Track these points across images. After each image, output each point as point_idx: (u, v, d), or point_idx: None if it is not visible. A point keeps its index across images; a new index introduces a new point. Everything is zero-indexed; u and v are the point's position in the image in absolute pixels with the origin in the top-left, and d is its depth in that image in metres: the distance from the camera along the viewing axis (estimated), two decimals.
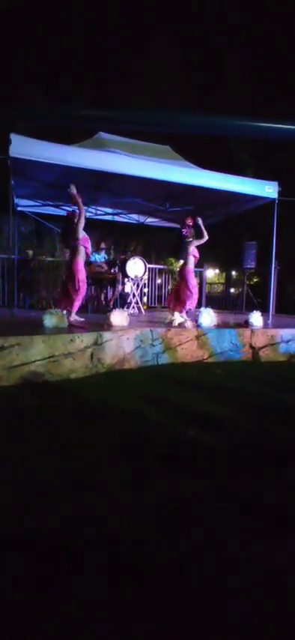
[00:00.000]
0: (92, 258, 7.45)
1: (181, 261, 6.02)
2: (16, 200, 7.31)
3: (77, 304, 5.14)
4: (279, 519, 1.68)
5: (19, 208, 7.78)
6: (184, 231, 5.85)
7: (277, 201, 6.32)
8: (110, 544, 1.46)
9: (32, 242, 10.49)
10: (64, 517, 1.61)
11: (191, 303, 5.76)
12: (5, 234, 9.70)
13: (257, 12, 13.93)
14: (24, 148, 4.85)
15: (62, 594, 1.23)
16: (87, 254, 5.29)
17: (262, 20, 13.91)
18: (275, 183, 6.37)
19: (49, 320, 4.44)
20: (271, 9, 13.38)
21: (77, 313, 5.21)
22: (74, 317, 5.08)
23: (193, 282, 5.84)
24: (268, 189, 6.37)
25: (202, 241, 5.76)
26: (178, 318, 5.53)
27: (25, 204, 7.84)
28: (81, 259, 5.07)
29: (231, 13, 14.73)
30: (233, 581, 1.31)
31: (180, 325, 5.28)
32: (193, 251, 5.75)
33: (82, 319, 5.18)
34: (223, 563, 1.39)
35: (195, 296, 5.81)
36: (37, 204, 7.96)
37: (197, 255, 5.81)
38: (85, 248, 5.13)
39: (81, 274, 5.06)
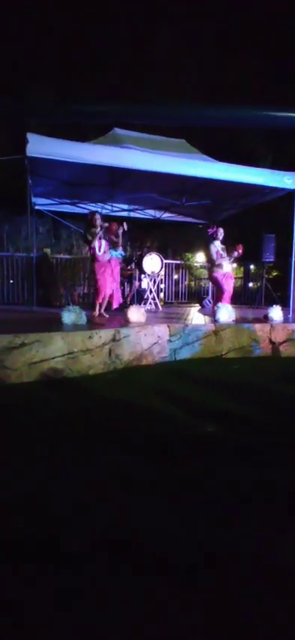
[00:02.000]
0: (108, 255, 7.50)
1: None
2: (34, 199, 7.43)
3: (98, 302, 5.36)
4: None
5: (36, 207, 7.91)
6: (210, 230, 5.89)
7: None
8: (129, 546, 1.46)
9: (50, 240, 10.66)
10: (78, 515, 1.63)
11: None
12: (23, 233, 9.88)
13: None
14: (41, 147, 4.91)
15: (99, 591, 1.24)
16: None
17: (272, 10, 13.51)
18: None
19: (68, 317, 4.50)
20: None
21: (105, 310, 5.48)
22: (97, 313, 5.35)
23: (222, 282, 5.88)
24: (287, 180, 6.20)
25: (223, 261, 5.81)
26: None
27: (42, 203, 7.95)
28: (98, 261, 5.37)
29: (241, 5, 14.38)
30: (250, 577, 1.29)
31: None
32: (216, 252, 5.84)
33: (106, 316, 5.33)
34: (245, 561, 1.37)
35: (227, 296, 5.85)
36: (54, 202, 8.05)
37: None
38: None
39: (99, 274, 5.28)
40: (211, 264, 5.95)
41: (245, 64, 13.67)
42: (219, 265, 5.79)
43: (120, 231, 5.94)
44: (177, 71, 13.76)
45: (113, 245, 5.72)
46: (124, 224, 6.05)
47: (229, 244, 6.05)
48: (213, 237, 5.85)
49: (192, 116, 6.83)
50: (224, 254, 5.81)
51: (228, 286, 5.86)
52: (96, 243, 5.30)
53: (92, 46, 14.43)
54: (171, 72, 13.78)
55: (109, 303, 5.66)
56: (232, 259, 5.86)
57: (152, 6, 14.75)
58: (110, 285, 5.50)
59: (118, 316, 5.32)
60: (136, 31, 14.63)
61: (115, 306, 5.75)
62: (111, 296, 5.62)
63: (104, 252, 5.40)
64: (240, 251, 5.78)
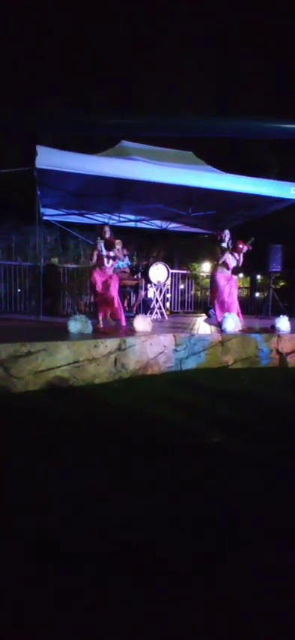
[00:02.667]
0: (115, 265, 7.55)
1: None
2: (42, 209, 7.55)
3: (99, 311, 5.32)
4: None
5: (44, 217, 8.03)
6: (217, 236, 5.85)
7: None
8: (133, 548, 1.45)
9: (57, 250, 10.79)
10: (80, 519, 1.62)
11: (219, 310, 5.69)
12: (31, 242, 10.02)
13: (273, 10, 13.69)
14: (49, 159, 5.01)
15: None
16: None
17: (277, 18, 13.67)
18: None
19: (74, 326, 4.53)
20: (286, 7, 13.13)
21: (104, 320, 5.39)
22: (101, 323, 5.28)
23: (221, 287, 5.75)
24: (293, 191, 6.20)
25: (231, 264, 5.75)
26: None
27: (50, 214, 8.07)
28: (95, 271, 5.30)
29: (246, 12, 14.57)
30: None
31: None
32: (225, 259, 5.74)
33: (105, 326, 5.30)
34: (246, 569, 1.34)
35: (222, 304, 5.73)
36: (62, 212, 8.17)
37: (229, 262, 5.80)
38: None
39: (96, 286, 5.26)
40: (216, 263, 5.83)
41: (257, 74, 13.82)
42: (224, 264, 5.72)
43: (118, 247, 5.81)
44: (189, 83, 13.95)
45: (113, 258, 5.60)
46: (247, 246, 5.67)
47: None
48: (220, 240, 5.81)
49: (204, 128, 6.91)
50: (229, 251, 5.69)
51: (226, 293, 5.71)
52: (95, 253, 5.30)
53: (104, 57, 14.75)
54: (184, 84, 13.98)
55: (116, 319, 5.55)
56: (239, 256, 5.68)
57: (166, 17, 15.02)
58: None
59: (124, 326, 5.33)
60: (147, 43, 14.91)
61: (123, 322, 5.57)
62: (116, 311, 5.47)
63: (105, 265, 5.36)
64: (243, 246, 5.59)
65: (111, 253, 5.34)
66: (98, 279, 5.26)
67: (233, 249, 5.70)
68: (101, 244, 5.30)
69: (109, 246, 5.30)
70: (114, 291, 5.26)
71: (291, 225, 6.65)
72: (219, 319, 5.61)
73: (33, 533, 1.52)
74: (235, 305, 5.79)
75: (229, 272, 5.80)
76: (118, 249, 5.45)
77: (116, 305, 5.32)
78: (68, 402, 3.27)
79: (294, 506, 1.80)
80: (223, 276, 5.77)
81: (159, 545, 1.47)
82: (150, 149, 6.70)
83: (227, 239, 5.79)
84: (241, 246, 5.63)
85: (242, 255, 5.72)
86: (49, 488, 1.88)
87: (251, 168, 8.43)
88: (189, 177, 5.75)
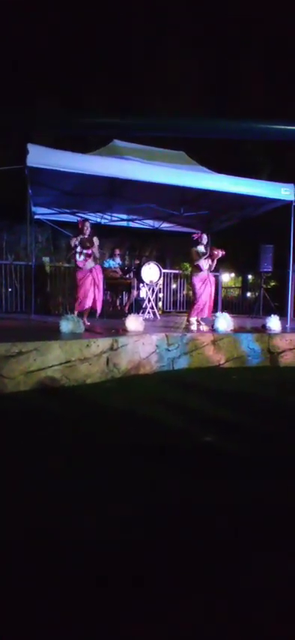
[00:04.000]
0: (106, 264, 7.52)
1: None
2: (34, 208, 7.47)
3: (77, 310, 5.27)
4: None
5: (36, 216, 7.95)
6: (195, 236, 5.87)
7: (294, 204, 6.20)
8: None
9: (49, 249, 10.70)
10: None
11: (198, 312, 5.71)
12: (23, 242, 9.92)
13: (272, 10, 13.80)
14: (41, 157, 4.95)
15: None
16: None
17: (277, 19, 13.79)
18: (292, 186, 6.24)
19: (66, 325, 4.50)
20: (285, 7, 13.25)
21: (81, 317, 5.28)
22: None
23: (199, 290, 5.75)
24: (284, 192, 6.25)
25: (205, 263, 5.76)
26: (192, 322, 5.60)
27: (41, 212, 8.00)
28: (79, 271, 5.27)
29: (246, 12, 14.65)
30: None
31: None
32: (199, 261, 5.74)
33: (88, 323, 5.25)
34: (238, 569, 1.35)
35: (202, 305, 5.72)
36: (54, 211, 8.10)
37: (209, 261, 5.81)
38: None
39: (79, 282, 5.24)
40: (191, 264, 5.90)
41: (254, 75, 13.90)
42: (197, 267, 5.76)
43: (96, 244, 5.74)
44: (184, 83, 13.96)
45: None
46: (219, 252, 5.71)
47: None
48: (197, 242, 5.82)
49: (199, 129, 6.92)
50: (205, 256, 5.73)
51: (205, 293, 5.72)
52: (77, 251, 5.24)
53: (98, 57, 14.65)
54: (179, 84, 13.98)
55: (93, 311, 5.51)
56: (213, 261, 5.74)
57: (161, 18, 14.98)
58: (90, 294, 5.37)
59: (116, 325, 5.32)
60: (144, 44, 14.86)
61: (99, 312, 5.53)
62: (94, 303, 5.42)
63: (85, 260, 5.30)
64: (218, 252, 5.68)
65: (89, 251, 5.29)
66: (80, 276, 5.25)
67: (209, 256, 5.76)
68: (76, 241, 5.25)
69: (86, 243, 5.24)
70: (100, 283, 5.27)
71: (282, 226, 6.71)
72: (192, 317, 5.74)
73: (32, 533, 1.51)
74: (211, 301, 5.88)
75: (205, 272, 5.80)
76: (95, 246, 5.38)
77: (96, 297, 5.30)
78: (60, 402, 3.25)
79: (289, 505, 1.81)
80: (198, 279, 5.77)
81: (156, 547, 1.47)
82: (142, 148, 6.69)
83: (204, 242, 5.82)
84: (216, 252, 5.72)
85: (215, 260, 5.79)
86: (37, 488, 1.87)
87: (243, 169, 8.49)
88: (181, 177, 5.76)
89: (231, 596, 1.25)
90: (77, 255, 5.25)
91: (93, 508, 1.72)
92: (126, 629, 1.12)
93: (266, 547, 1.49)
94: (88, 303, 5.25)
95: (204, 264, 5.74)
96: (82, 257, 5.26)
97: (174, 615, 1.17)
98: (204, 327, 5.55)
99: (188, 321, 5.84)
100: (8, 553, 1.43)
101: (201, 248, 5.79)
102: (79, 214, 8.21)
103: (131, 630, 1.11)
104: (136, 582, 1.29)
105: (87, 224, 5.41)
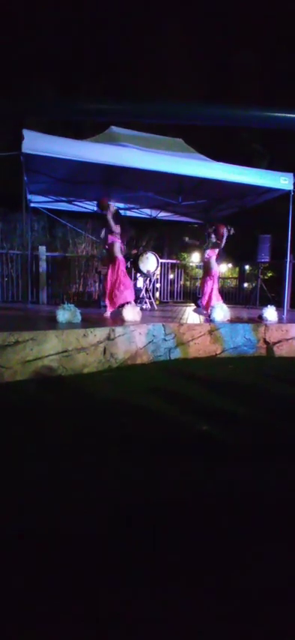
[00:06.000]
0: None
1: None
2: (29, 196, 7.37)
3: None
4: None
5: (32, 205, 7.85)
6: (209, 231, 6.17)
7: (293, 193, 6.16)
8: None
9: (45, 238, 10.60)
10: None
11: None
12: (18, 230, 9.81)
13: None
14: (36, 143, 4.87)
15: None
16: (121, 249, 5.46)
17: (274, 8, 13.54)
18: (291, 175, 6.21)
19: (62, 315, 4.48)
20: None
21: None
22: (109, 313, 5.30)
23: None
24: (283, 181, 6.22)
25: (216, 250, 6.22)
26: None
27: (37, 201, 7.89)
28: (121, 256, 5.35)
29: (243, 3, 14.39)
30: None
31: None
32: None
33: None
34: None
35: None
36: (50, 199, 8.00)
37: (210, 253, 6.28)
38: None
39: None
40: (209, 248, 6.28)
41: (249, 62, 13.69)
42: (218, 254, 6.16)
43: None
44: (180, 69, 13.72)
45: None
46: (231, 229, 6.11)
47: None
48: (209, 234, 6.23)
49: (195, 115, 6.84)
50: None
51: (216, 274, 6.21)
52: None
53: (93, 42, 14.35)
54: (174, 69, 13.75)
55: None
56: (223, 242, 6.09)
57: (160, 2, 14.68)
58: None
59: (113, 315, 5.31)
60: (138, 28, 14.55)
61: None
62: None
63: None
64: (224, 230, 6.02)
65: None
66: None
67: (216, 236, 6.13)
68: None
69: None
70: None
71: (280, 216, 6.68)
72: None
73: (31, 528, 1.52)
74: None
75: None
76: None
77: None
78: (57, 392, 3.25)
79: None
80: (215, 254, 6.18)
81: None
82: (139, 135, 6.59)
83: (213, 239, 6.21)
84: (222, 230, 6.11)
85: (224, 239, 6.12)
86: (42, 483, 1.87)
87: (242, 158, 8.42)
88: (179, 165, 5.69)
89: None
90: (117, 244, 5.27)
91: (91, 496, 1.73)
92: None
93: (261, 537, 1.52)
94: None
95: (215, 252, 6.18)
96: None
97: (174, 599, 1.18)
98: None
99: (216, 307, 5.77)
100: (11, 541, 1.44)
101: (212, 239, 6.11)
102: (76, 202, 8.12)
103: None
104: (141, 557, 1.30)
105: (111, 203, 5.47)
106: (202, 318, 5.56)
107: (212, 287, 6.24)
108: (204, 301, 6.27)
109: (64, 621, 1.11)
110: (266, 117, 7.09)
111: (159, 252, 9.41)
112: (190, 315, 6.38)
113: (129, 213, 8.98)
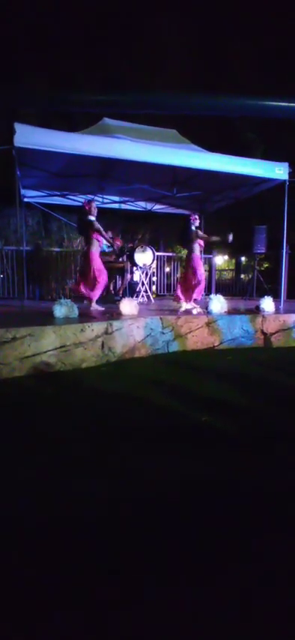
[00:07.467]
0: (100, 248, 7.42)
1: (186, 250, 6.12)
2: (23, 191, 7.28)
3: (96, 293, 5.39)
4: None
5: (25, 199, 7.75)
6: (192, 217, 5.84)
7: (288, 183, 6.14)
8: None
9: (40, 233, 10.51)
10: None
11: (199, 292, 5.74)
12: (12, 226, 9.71)
13: None
14: (29, 137, 4.79)
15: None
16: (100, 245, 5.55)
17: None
18: (286, 165, 6.18)
19: (59, 310, 4.46)
20: None
21: (98, 302, 5.46)
22: (94, 306, 5.32)
23: (201, 269, 5.83)
24: (278, 171, 6.19)
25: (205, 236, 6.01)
26: (185, 306, 5.60)
27: (31, 195, 7.80)
28: (95, 250, 5.37)
29: None
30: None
31: (188, 311, 5.35)
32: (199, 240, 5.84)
33: (102, 308, 5.34)
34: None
35: (203, 285, 5.87)
36: (44, 194, 7.91)
37: (202, 243, 5.88)
38: (98, 240, 5.39)
39: (97, 264, 5.35)
40: (190, 244, 5.86)
41: (244, 51, 13.56)
42: (198, 246, 5.82)
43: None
44: (174, 59, 13.56)
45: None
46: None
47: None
48: (192, 221, 5.89)
49: (190, 105, 6.76)
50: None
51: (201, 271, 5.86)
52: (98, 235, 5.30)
53: (87, 32, 14.10)
54: (169, 59, 13.59)
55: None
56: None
57: None
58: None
59: (110, 309, 5.29)
60: (133, 18, 14.32)
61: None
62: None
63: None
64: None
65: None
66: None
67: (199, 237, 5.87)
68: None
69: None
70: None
71: (275, 207, 6.67)
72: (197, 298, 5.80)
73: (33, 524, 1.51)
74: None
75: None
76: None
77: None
78: (57, 387, 3.23)
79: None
80: (199, 257, 5.86)
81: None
82: (133, 127, 6.52)
83: (196, 223, 5.88)
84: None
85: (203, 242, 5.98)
86: (44, 479, 1.86)
87: (236, 148, 8.37)
88: (173, 157, 5.64)
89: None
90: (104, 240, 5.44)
91: (92, 490, 1.73)
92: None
93: (263, 527, 1.52)
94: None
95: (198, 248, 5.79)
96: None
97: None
98: (198, 309, 5.54)
99: (192, 302, 5.75)
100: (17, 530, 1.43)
101: (194, 228, 5.81)
102: (70, 197, 8.04)
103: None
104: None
105: (94, 204, 5.51)
106: (199, 310, 5.54)
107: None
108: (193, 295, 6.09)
109: (64, 621, 1.11)
110: (260, 106, 7.02)
111: (155, 245, 9.36)
112: (187, 307, 6.36)
113: (124, 206, 8.92)
